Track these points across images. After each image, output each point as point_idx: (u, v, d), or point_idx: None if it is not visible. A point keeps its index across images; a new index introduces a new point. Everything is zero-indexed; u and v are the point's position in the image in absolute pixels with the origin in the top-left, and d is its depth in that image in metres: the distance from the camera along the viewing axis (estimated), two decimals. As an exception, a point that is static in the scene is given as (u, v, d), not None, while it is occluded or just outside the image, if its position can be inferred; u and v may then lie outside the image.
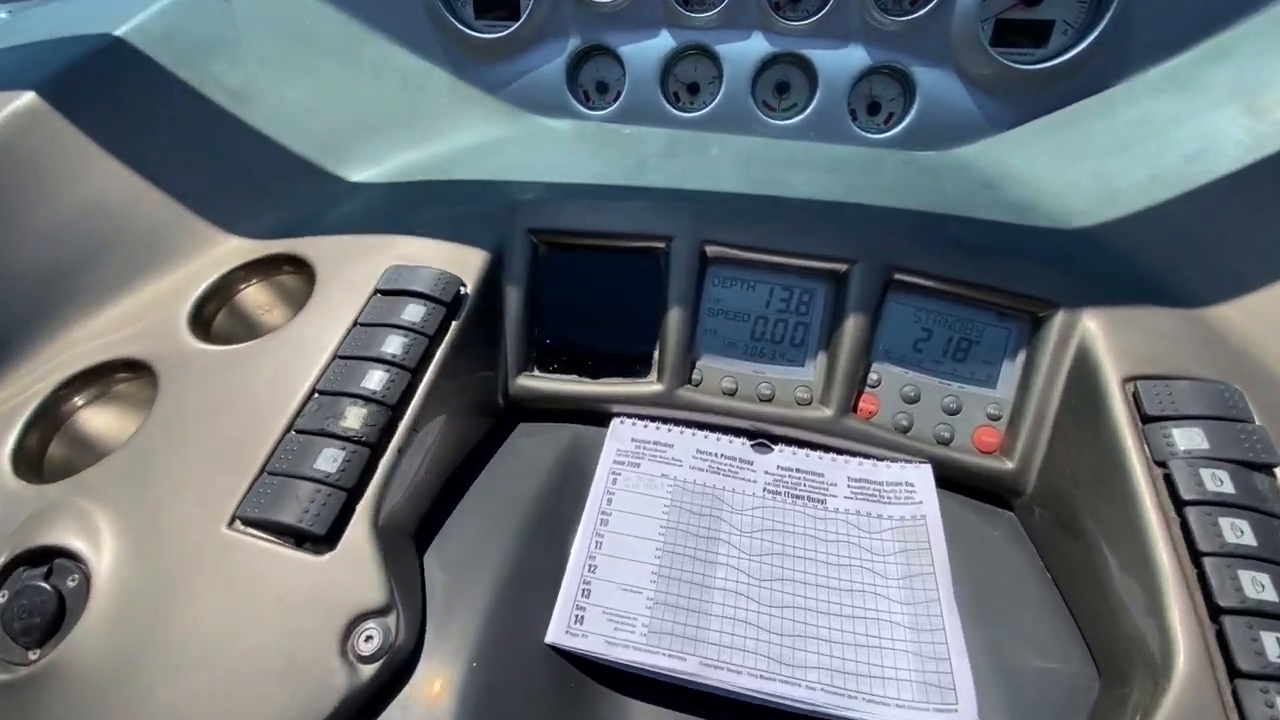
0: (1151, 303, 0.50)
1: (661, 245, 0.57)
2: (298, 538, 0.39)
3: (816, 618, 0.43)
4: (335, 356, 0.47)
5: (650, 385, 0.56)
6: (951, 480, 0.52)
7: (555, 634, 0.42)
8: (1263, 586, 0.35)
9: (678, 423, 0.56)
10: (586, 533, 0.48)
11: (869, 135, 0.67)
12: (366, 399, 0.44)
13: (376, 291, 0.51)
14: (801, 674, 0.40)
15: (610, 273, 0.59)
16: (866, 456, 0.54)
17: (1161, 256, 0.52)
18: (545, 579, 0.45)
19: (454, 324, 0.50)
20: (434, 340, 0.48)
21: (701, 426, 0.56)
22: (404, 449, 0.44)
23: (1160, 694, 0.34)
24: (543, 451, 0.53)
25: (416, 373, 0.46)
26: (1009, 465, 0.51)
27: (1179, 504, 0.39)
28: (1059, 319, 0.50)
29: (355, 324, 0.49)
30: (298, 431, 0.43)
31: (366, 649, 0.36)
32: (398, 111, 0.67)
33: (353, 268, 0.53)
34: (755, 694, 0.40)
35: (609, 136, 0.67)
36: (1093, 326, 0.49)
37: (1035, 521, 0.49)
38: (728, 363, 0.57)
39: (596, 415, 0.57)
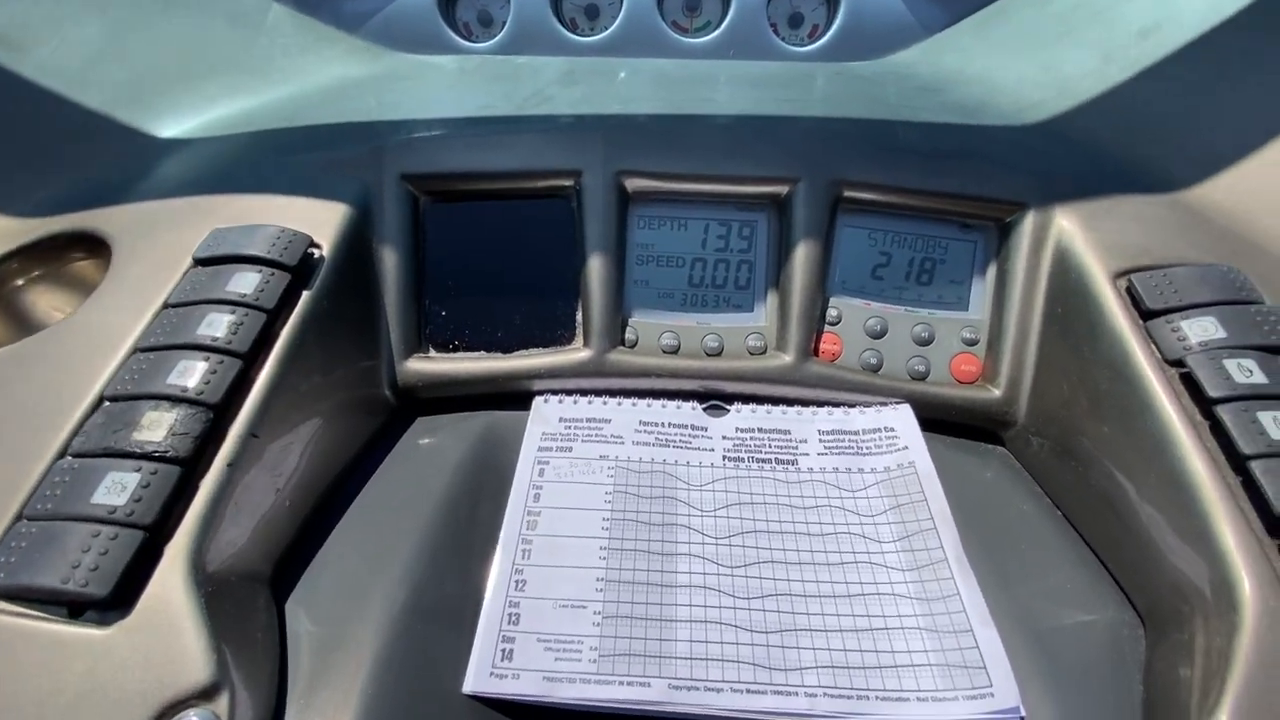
0: (1126, 192, 0.44)
1: (569, 183, 0.47)
2: (71, 606, 0.27)
3: (806, 604, 0.35)
4: (134, 350, 0.34)
5: (575, 353, 0.46)
6: (933, 420, 0.45)
7: (476, 680, 0.32)
8: (1326, 485, 0.29)
9: (613, 393, 0.46)
10: (510, 541, 0.37)
11: (794, 49, 0.59)
12: (175, 399, 0.32)
13: (194, 262, 0.38)
14: (797, 679, 0.32)
15: (511, 223, 0.48)
16: (836, 404, 0.46)
17: (1128, 142, 0.46)
18: (460, 611, 0.34)
19: (305, 295, 0.38)
20: (275, 317, 0.36)
21: (642, 394, 0.47)
22: (237, 463, 0.32)
23: (1233, 634, 0.28)
24: (448, 449, 0.42)
25: (251, 360, 0.35)
26: (995, 393, 0.44)
27: (1206, 404, 0.33)
28: (1029, 221, 0.44)
29: (164, 306, 0.36)
30: (73, 455, 0.30)
31: (183, 754, 0.24)
32: (225, 54, 0.53)
33: (161, 239, 0.40)
34: (743, 714, 0.31)
35: (496, 68, 0.56)
36: (1068, 224, 0.42)
37: (1033, 453, 0.42)
38: (665, 316, 0.48)
39: (515, 397, 0.46)
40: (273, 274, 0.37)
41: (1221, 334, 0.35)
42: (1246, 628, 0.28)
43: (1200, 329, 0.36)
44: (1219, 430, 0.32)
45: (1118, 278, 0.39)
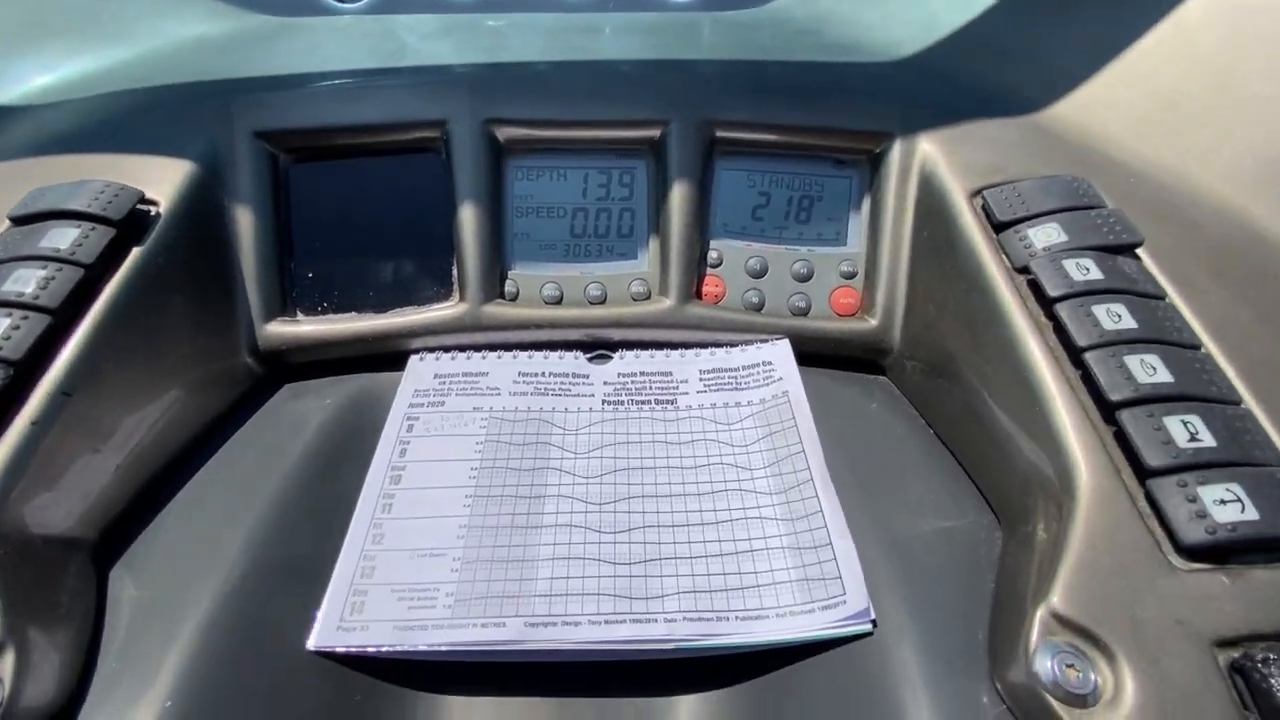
0: (984, 117, 0.45)
1: (436, 134, 0.45)
2: None
3: (673, 534, 0.34)
4: (-70, 314, 0.32)
5: (452, 308, 0.44)
6: (817, 354, 0.45)
7: (323, 634, 0.30)
8: (1154, 369, 0.30)
9: (494, 348, 0.45)
10: (370, 497, 0.36)
11: (675, 0, 0.59)
12: (-31, 358, 0.29)
13: (10, 222, 0.36)
14: (658, 607, 0.31)
15: (379, 179, 0.46)
16: (719, 345, 0.45)
17: (987, 71, 0.47)
18: (312, 571, 0.33)
19: (135, 252, 0.36)
20: (97, 273, 0.34)
21: (525, 347, 0.45)
22: (46, 421, 0.29)
23: (1068, 520, 0.28)
24: (313, 412, 0.40)
25: (66, 317, 0.32)
26: (871, 323, 0.44)
27: (1047, 304, 0.34)
28: (896, 150, 0.44)
29: (-30, 268, 0.34)
30: None
31: (-49, 723, 0.22)
32: (67, 16, 0.50)
33: (-21, 202, 0.37)
34: (601, 645, 0.30)
35: (365, 27, 0.54)
36: (931, 150, 0.43)
37: (908, 377, 0.43)
38: (547, 268, 0.47)
39: (391, 358, 0.45)
40: (93, 228, 0.35)
41: (1063, 238, 0.36)
42: (1081, 510, 0.28)
43: (1044, 235, 0.36)
44: (1060, 329, 0.33)
45: (973, 196, 0.40)
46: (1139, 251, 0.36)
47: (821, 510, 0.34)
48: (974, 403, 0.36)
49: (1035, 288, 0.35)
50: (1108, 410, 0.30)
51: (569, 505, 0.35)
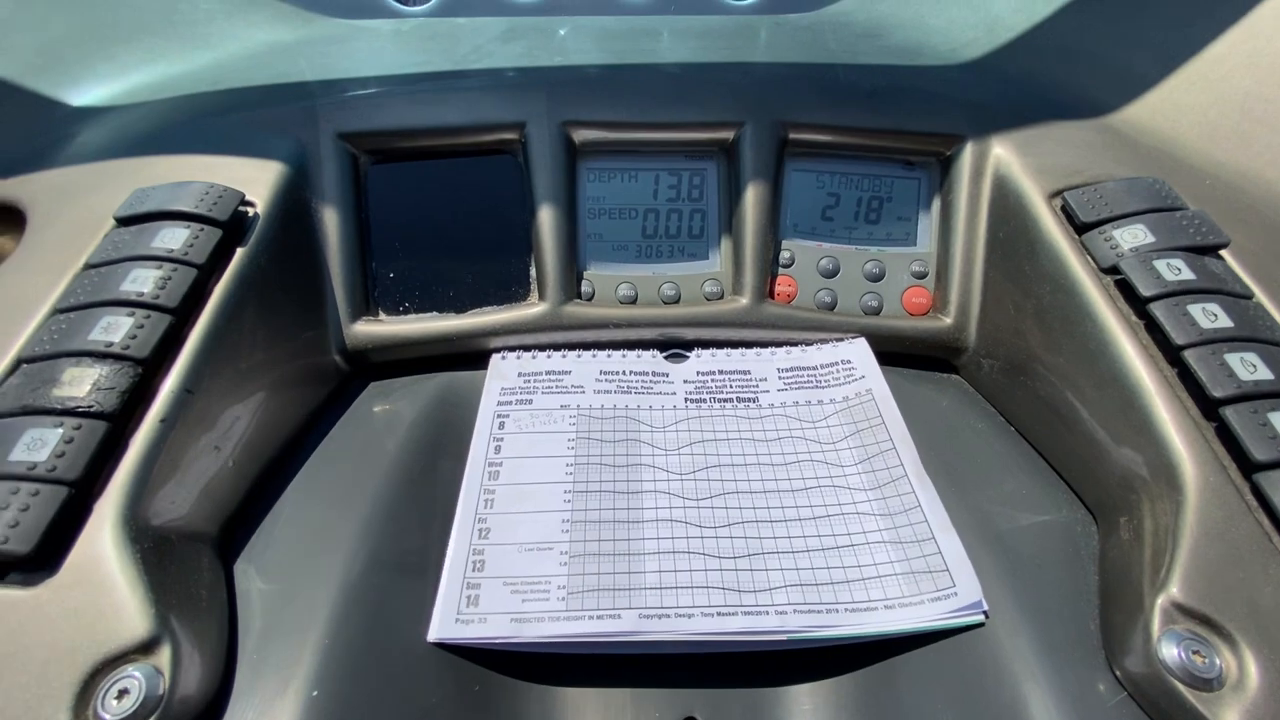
0: (1056, 119, 0.45)
1: (514, 136, 0.46)
2: (-9, 568, 0.25)
3: (773, 529, 0.35)
4: (53, 312, 0.32)
5: (532, 307, 0.45)
6: (890, 353, 0.46)
7: (441, 626, 0.31)
8: (1254, 366, 0.30)
9: (572, 346, 0.46)
10: (472, 490, 0.36)
11: (733, 3, 0.60)
12: (100, 355, 0.30)
13: (117, 222, 0.36)
14: (767, 599, 0.32)
15: (457, 180, 0.47)
16: (794, 344, 0.46)
17: (1056, 72, 0.48)
18: (422, 564, 0.33)
19: (239, 252, 0.37)
20: (208, 273, 0.35)
21: (602, 346, 0.46)
22: (172, 419, 0.30)
23: (1177, 513, 0.29)
24: (404, 411, 0.41)
25: (183, 316, 0.33)
26: (946, 321, 0.45)
27: (1139, 304, 0.34)
28: (968, 152, 0.45)
29: (85, 268, 0.34)
30: (-14, 419, 0.28)
31: (122, 707, 0.23)
32: (141, 20, 0.51)
33: (81, 203, 0.38)
34: (715, 637, 0.31)
35: (433, 29, 0.55)
36: (1004, 152, 0.44)
37: (985, 375, 0.43)
38: (621, 268, 0.48)
39: (471, 357, 0.45)
40: (202, 229, 0.35)
41: (1151, 239, 0.36)
42: (1190, 504, 0.29)
43: (1131, 236, 0.37)
44: (1153, 327, 0.34)
45: (1052, 197, 0.41)
46: (1222, 252, 0.37)
47: (920, 505, 0.35)
48: (1060, 401, 0.37)
49: (1125, 288, 0.36)
50: (1209, 406, 0.31)
51: (667, 501, 0.36)
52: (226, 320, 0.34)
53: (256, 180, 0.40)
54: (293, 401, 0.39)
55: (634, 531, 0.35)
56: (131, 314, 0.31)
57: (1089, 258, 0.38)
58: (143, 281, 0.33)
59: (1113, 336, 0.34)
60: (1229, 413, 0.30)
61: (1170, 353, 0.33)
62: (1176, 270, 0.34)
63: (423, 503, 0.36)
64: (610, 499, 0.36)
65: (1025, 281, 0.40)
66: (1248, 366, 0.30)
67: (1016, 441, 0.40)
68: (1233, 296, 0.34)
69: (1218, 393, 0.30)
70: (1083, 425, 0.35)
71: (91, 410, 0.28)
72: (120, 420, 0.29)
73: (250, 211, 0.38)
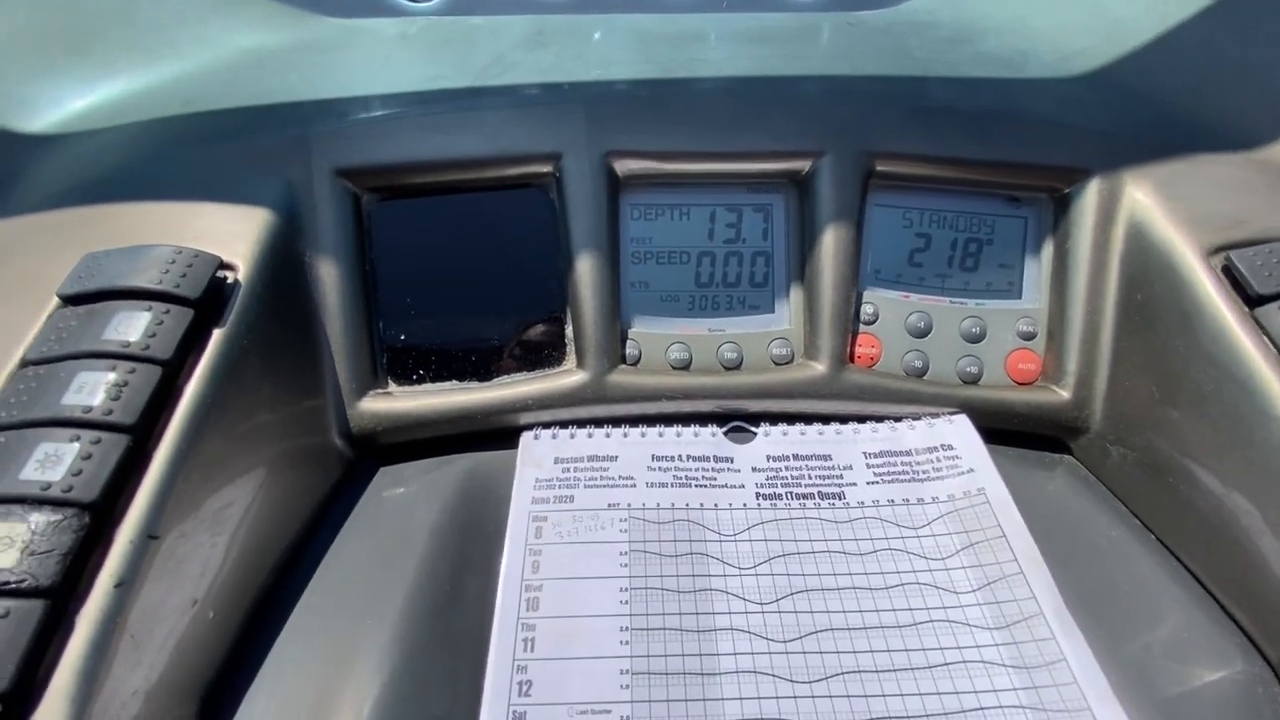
0: (1201, 151, 0.38)
1: (547, 169, 0.38)
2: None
3: (879, 683, 0.28)
4: (-24, 432, 0.25)
5: (568, 375, 0.38)
6: (988, 429, 0.39)
7: (479, 826, 0.24)
8: None
9: (616, 422, 0.39)
10: (506, 629, 0.30)
11: (796, -2, 0.51)
12: (35, 501, 0.23)
13: (61, 301, 0.29)
14: (883, 788, 0.25)
15: (478, 222, 0.40)
16: (879, 418, 0.39)
17: (1194, 92, 0.40)
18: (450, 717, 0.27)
19: (216, 335, 0.29)
20: (175, 369, 0.28)
21: (651, 421, 0.39)
22: (130, 578, 0.23)
23: None
24: (420, 508, 0.34)
25: (143, 435, 0.26)
26: (1063, 395, 0.38)
27: (1347, 410, 0.27)
28: (1093, 190, 0.37)
29: (20, 365, 0.27)
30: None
31: None
32: (96, 23, 0.42)
33: (15, 268, 0.30)
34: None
35: (446, 32, 0.47)
36: (1141, 194, 0.36)
37: (1113, 465, 0.36)
38: (671, 324, 0.41)
39: (498, 434, 0.39)
40: (168, 311, 0.28)
41: (1355, 322, 0.29)
42: None
43: (1326, 316, 0.30)
44: (1368, 443, 0.27)
45: (1212, 255, 0.33)
46: None
47: (1066, 659, 0.28)
48: (1229, 519, 0.30)
49: (1321, 385, 0.29)
50: None
51: (746, 643, 0.30)
52: (199, 428, 0.27)
53: (237, 235, 0.32)
54: (283, 508, 0.32)
55: (710, 689, 0.28)
56: (78, 438, 0.24)
57: (1268, 340, 0.30)
58: (91, 390, 0.26)
59: (1310, 449, 0.27)
60: None
61: (1397, 481, 0.26)
62: (1399, 369, 0.27)
63: (446, 647, 0.29)
64: (678, 640, 0.30)
65: (1175, 360, 0.33)
66: None
67: (1160, 557, 0.33)
68: None
69: None
70: (1258, 556, 0.28)
71: (24, 586, 0.21)
72: (61, 593, 0.22)
73: (229, 278, 0.31)
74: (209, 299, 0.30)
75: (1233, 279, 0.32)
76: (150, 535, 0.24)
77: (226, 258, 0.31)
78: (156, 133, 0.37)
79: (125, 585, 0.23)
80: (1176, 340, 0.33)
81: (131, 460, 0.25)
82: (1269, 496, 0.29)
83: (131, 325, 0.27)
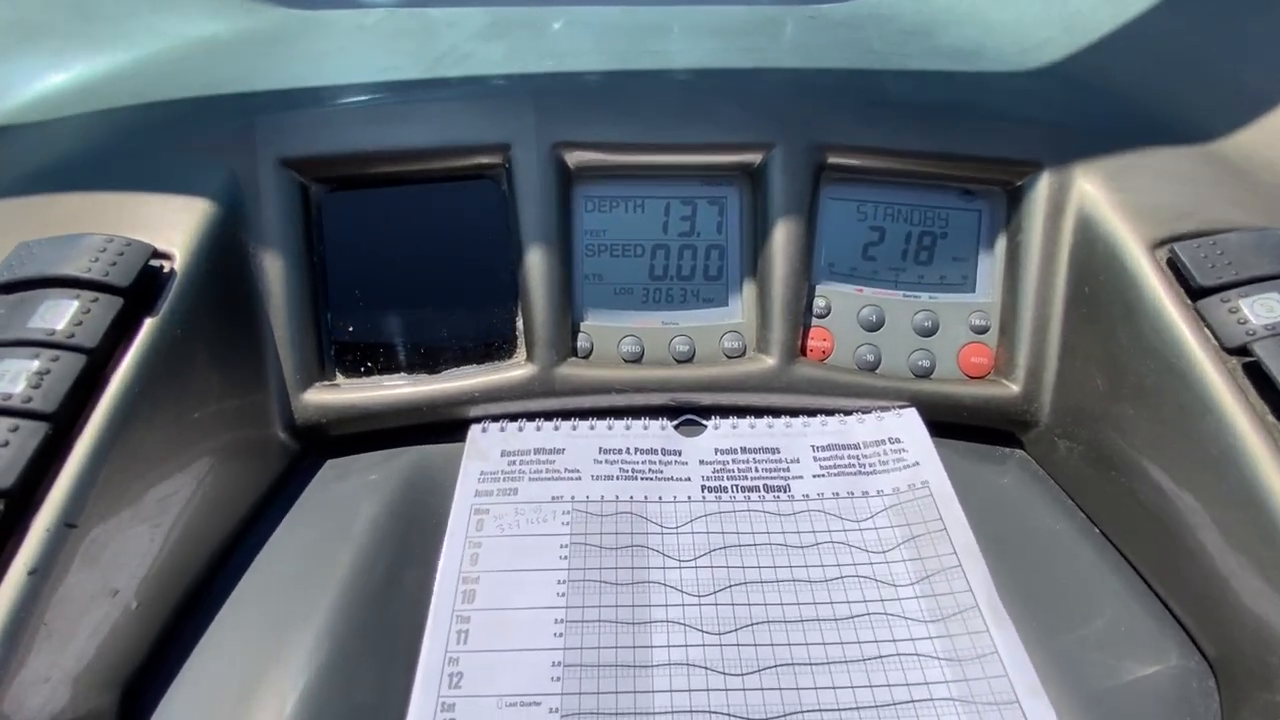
0: (1153, 144, 0.37)
1: (497, 160, 0.38)
2: None
3: (812, 676, 0.28)
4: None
5: (518, 368, 0.38)
6: (941, 423, 0.39)
7: (400, 818, 0.24)
8: None
9: (566, 415, 0.39)
10: (441, 620, 0.30)
11: (758, -10, 0.51)
12: (-56, 491, 0.23)
13: (-10, 290, 0.29)
14: (809, 780, 0.25)
15: (428, 213, 0.39)
16: (829, 412, 0.39)
17: (1149, 85, 0.40)
18: (378, 714, 0.27)
19: (148, 324, 0.29)
20: (102, 358, 0.27)
21: (602, 414, 0.39)
22: (46, 567, 0.23)
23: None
24: (362, 500, 0.34)
25: (64, 423, 0.26)
26: (1013, 389, 0.38)
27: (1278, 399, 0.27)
28: (1044, 183, 0.37)
29: (-55, 354, 0.27)
30: None
31: None
32: (41, 10, 0.42)
33: (-51, 258, 0.30)
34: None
35: (402, 23, 0.46)
36: (1091, 186, 0.36)
37: (1060, 458, 0.36)
38: (624, 317, 0.40)
39: (446, 427, 0.38)
40: (95, 299, 0.28)
41: (1292, 314, 0.29)
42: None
43: (1265, 308, 0.29)
44: (1301, 435, 0.27)
45: (1156, 248, 0.33)
46: (1384, 333, 0.29)
47: (998, 651, 0.28)
48: (1171, 513, 0.30)
49: (1257, 375, 0.28)
50: (1385, 553, 0.24)
51: (681, 635, 0.29)
52: (126, 419, 0.27)
53: (174, 225, 0.32)
54: (221, 506, 0.32)
55: (642, 682, 0.28)
56: (-8, 426, 0.24)
57: (1208, 332, 0.30)
58: (13, 379, 0.25)
59: (1245, 442, 0.27)
60: None
61: (1327, 473, 0.26)
62: (1332, 360, 0.27)
63: (381, 636, 0.29)
64: (613, 632, 0.29)
65: (1120, 353, 0.33)
66: None
67: (1103, 550, 0.33)
68: (1407, 399, 0.26)
69: (1404, 541, 0.23)
70: (1202, 553, 0.28)
71: (-75, 575, 0.21)
72: (-34, 584, 0.22)
73: (164, 267, 0.31)
74: (141, 288, 0.29)
75: (1176, 271, 0.32)
76: (68, 524, 0.24)
77: (162, 246, 0.31)
78: (102, 123, 0.37)
79: (39, 574, 0.23)
80: (1121, 333, 0.33)
81: (51, 448, 0.25)
82: (1208, 490, 0.28)
83: (58, 313, 0.27)
